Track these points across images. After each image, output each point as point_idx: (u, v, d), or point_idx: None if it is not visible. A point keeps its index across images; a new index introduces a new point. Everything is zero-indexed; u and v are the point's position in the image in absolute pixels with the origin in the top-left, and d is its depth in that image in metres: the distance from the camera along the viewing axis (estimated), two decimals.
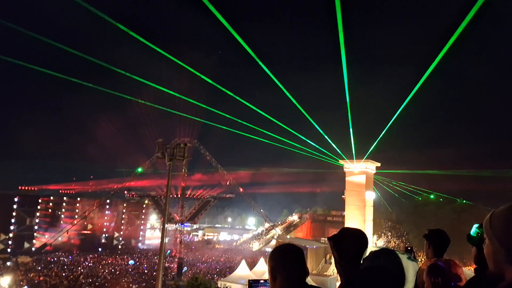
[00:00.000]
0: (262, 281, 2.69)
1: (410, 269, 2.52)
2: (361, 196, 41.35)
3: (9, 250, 56.84)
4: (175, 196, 59.08)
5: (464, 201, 62.09)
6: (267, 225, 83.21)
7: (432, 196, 67.14)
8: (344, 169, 42.40)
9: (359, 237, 2.56)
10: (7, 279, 34.07)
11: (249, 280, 2.71)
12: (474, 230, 2.89)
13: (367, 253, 2.59)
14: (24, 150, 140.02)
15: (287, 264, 2.37)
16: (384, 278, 2.32)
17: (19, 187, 65.82)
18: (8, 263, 46.43)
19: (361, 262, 2.49)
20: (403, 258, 2.56)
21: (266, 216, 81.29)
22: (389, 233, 64.18)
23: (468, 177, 66.14)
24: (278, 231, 77.22)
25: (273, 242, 68.19)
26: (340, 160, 42.98)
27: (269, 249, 68.82)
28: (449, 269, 3.06)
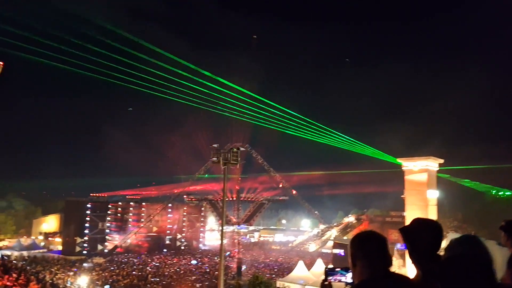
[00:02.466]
0: (338, 269, 2.64)
1: (499, 256, 2.33)
2: (422, 195, 39.81)
3: (85, 252, 61.81)
4: (230, 199, 60.87)
5: None
6: (322, 226, 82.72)
7: (509, 193, 62.77)
8: (403, 168, 41.13)
9: (433, 226, 2.40)
10: (85, 279, 37.07)
11: (325, 268, 2.72)
12: None
13: (447, 243, 2.43)
14: (94, 160, 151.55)
15: (367, 251, 2.30)
16: (471, 268, 2.05)
17: (91, 194, 71.31)
18: (85, 264, 50.42)
19: (441, 252, 2.34)
20: (491, 244, 2.34)
21: (320, 218, 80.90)
22: (456, 233, 61.15)
23: None
24: (334, 232, 76.47)
25: (330, 244, 67.68)
26: (398, 158, 41.86)
27: (326, 251, 68.42)
28: None
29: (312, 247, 76.91)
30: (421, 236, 2.37)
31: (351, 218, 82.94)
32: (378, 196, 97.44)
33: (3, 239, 71.70)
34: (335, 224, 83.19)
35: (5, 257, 36.61)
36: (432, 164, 40.89)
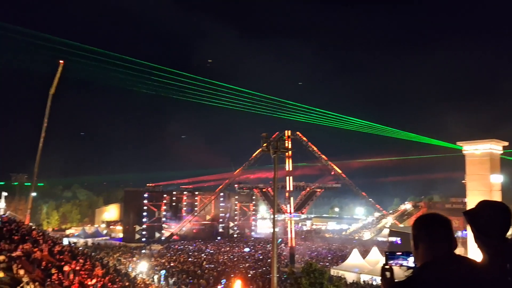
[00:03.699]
0: (399, 253, 2.55)
1: None
2: (485, 180, 37.32)
3: (143, 239, 64.85)
4: (281, 187, 60.55)
5: None
6: (377, 214, 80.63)
7: None
8: (463, 152, 38.70)
9: (501, 208, 2.27)
10: (144, 265, 38.78)
11: (385, 252, 2.61)
12: None
13: None
14: (150, 152, 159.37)
15: (430, 233, 2.26)
16: None
17: (147, 184, 74.37)
18: (143, 251, 52.84)
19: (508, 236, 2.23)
20: None
21: (375, 205, 78.64)
22: None
23: None
24: (390, 220, 74.23)
25: (386, 232, 65.82)
26: (458, 142, 39.36)
27: (381, 239, 66.58)
28: None
29: (367, 235, 75.25)
30: (489, 218, 2.23)
31: (407, 205, 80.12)
32: (437, 182, 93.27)
33: (69, 227, 77.25)
34: (391, 211, 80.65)
35: (72, 244, 39.14)
36: (495, 147, 37.95)
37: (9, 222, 27.89)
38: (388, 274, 2.40)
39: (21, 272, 19.97)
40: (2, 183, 71.27)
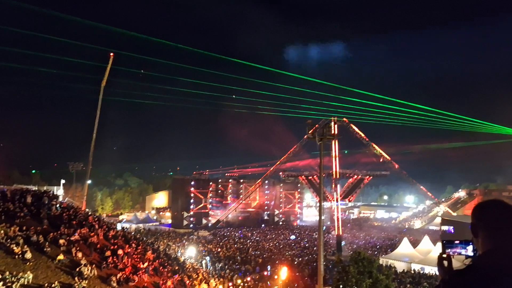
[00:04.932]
0: (457, 242, 2.43)
1: None
2: None
3: (191, 226, 66.87)
4: (327, 175, 59.54)
5: None
6: (428, 202, 77.71)
7: None
8: None
9: None
10: (192, 250, 39.98)
11: (442, 240, 2.49)
12: None
13: None
14: (197, 140, 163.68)
15: (489, 221, 2.14)
16: None
17: (194, 172, 76.42)
18: (192, 237, 54.47)
19: None
20: None
21: (427, 193, 75.61)
22: None
23: None
24: (442, 208, 71.20)
25: (438, 220, 63.26)
26: None
27: (433, 228, 64.05)
28: None
29: (418, 224, 72.88)
30: None
31: (461, 193, 76.58)
32: (493, 169, 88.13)
33: (122, 213, 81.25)
34: (443, 199, 77.37)
35: (125, 229, 41.04)
36: None
37: (68, 208, 29.63)
38: (445, 263, 2.27)
39: (79, 255, 21.23)
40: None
